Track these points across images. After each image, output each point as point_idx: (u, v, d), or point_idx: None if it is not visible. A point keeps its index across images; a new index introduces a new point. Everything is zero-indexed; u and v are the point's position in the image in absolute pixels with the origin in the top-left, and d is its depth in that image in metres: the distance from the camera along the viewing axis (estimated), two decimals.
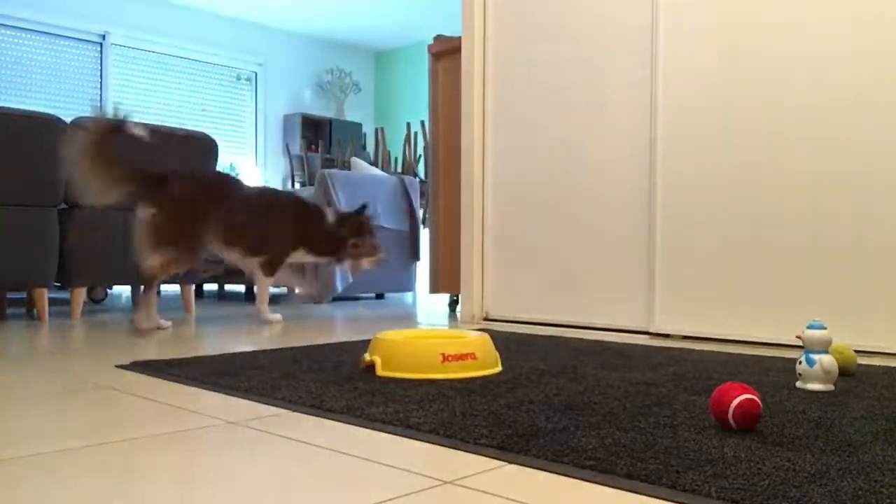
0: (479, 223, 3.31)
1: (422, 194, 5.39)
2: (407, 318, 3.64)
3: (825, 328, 1.58)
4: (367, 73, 9.01)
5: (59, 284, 3.44)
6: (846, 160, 2.29)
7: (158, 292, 2.57)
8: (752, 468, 0.98)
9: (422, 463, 1.05)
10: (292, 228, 3.09)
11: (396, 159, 6.97)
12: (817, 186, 2.33)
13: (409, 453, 1.10)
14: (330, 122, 8.43)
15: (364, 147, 8.60)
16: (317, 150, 8.08)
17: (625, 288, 2.78)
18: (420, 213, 5.20)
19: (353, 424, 1.27)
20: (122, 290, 5.51)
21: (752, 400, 1.17)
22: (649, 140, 2.72)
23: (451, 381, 1.65)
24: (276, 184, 8.13)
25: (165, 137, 3.61)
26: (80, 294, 3.41)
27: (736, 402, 1.17)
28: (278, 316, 3.20)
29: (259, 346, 2.35)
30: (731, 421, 1.17)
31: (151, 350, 2.26)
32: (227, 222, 2.91)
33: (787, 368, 1.89)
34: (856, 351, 1.82)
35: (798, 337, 1.60)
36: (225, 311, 3.98)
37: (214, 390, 1.59)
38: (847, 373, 1.75)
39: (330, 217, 3.21)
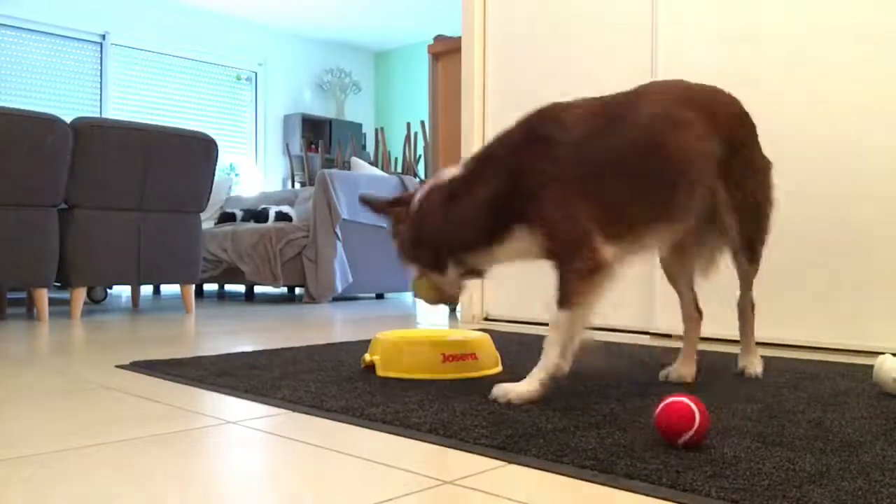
0: None
1: None
2: (407, 318, 3.64)
3: None
4: (367, 73, 9.01)
5: (59, 284, 3.44)
6: (847, 157, 2.28)
7: None
8: (752, 468, 0.98)
9: (422, 463, 1.05)
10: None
11: (396, 159, 6.97)
12: (817, 185, 2.33)
13: (409, 453, 1.10)
14: (330, 122, 8.43)
15: (364, 147, 8.59)
16: (317, 150, 8.07)
17: (625, 288, 2.78)
18: None
19: (353, 424, 1.27)
20: (122, 290, 5.51)
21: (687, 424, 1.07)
22: None
23: (451, 381, 1.65)
24: (275, 184, 8.13)
25: (165, 137, 3.61)
26: (80, 294, 3.41)
27: (687, 436, 1.07)
28: None
29: (259, 346, 2.35)
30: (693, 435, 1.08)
31: (151, 350, 2.26)
32: None
33: (787, 368, 1.89)
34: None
35: None
36: (225, 311, 3.98)
37: (214, 390, 1.59)
38: None
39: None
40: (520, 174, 1.43)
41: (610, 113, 1.49)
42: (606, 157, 1.43)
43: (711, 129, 1.51)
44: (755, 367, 1.76)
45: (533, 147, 1.45)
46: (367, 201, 1.67)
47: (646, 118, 1.48)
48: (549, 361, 1.42)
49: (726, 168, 1.54)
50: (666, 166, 1.46)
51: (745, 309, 1.77)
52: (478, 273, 1.59)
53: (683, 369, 1.69)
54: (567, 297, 1.40)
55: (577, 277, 1.39)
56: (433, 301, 1.63)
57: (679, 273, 1.74)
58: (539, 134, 1.46)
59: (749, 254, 1.68)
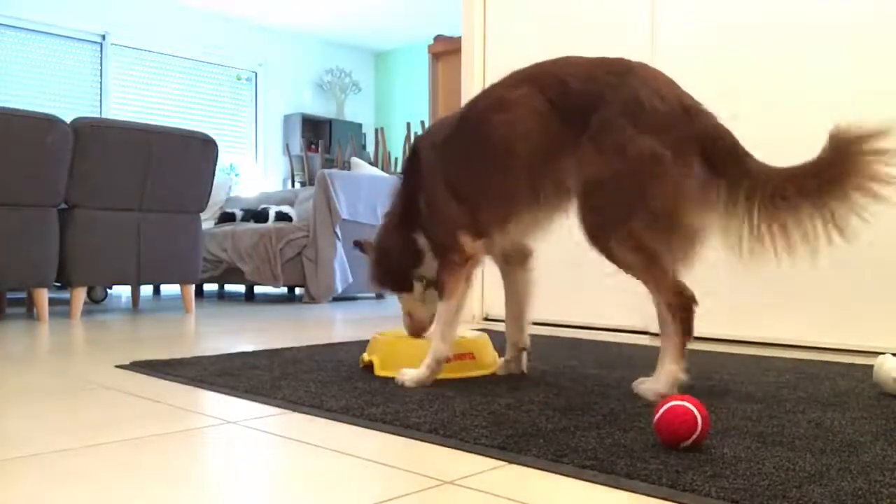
0: None
1: None
2: None
3: None
4: (367, 73, 9.01)
5: (59, 284, 3.44)
6: None
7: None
8: (752, 468, 0.98)
9: (422, 463, 1.05)
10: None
11: (396, 159, 6.97)
12: None
13: (409, 453, 1.10)
14: (330, 122, 8.43)
15: (364, 147, 8.59)
16: (317, 150, 8.07)
17: (625, 288, 2.78)
18: None
19: (353, 424, 1.27)
20: (122, 290, 5.51)
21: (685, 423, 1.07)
22: None
23: (451, 380, 1.65)
24: (275, 184, 8.12)
25: (165, 137, 3.61)
26: (80, 294, 3.41)
27: (694, 435, 1.07)
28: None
29: (259, 346, 2.35)
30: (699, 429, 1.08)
31: (151, 350, 2.26)
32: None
33: (787, 368, 1.89)
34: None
35: None
36: (225, 310, 3.98)
37: (214, 390, 1.59)
38: None
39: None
40: (411, 192, 1.66)
41: (462, 114, 1.62)
42: (458, 159, 1.57)
43: (552, 105, 1.46)
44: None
45: (411, 164, 1.68)
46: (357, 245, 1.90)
47: (479, 108, 1.57)
48: (437, 349, 1.59)
49: (577, 146, 1.43)
50: (493, 153, 1.52)
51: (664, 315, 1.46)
52: (431, 282, 1.75)
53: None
54: (443, 291, 1.60)
55: (448, 273, 1.59)
56: (413, 332, 1.82)
57: None
58: (414, 153, 1.67)
59: (595, 246, 1.43)
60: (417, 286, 1.76)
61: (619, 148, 1.37)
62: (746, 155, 1.39)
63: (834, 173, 1.29)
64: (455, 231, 1.57)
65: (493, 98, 1.57)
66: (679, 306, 1.39)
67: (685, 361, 1.41)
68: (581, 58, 1.53)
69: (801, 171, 1.33)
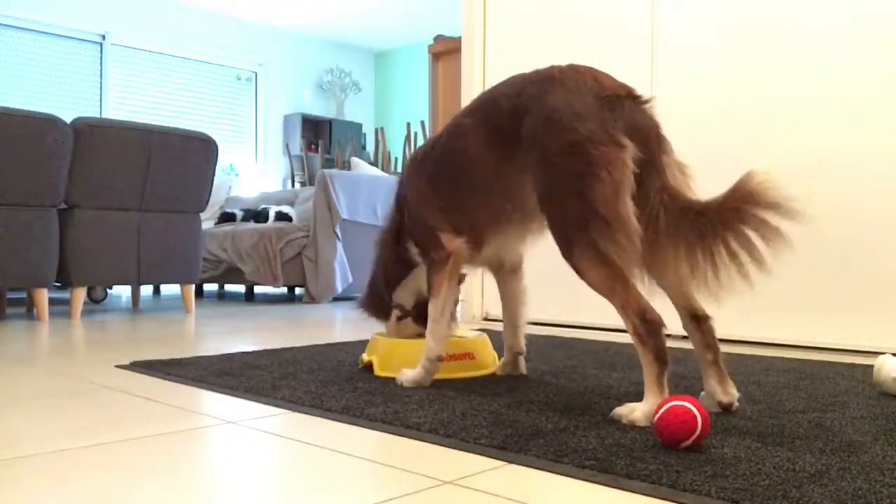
0: None
1: None
2: None
3: None
4: (367, 73, 9.01)
5: (59, 284, 3.44)
6: (846, 156, 2.28)
7: None
8: (752, 468, 0.98)
9: (422, 463, 1.05)
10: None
11: (396, 159, 6.97)
12: (816, 185, 2.33)
13: (409, 453, 1.10)
14: (330, 122, 8.43)
15: (364, 147, 8.59)
16: (317, 150, 8.07)
17: None
18: None
19: (353, 424, 1.28)
20: (122, 290, 5.51)
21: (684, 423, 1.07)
22: None
23: (451, 381, 1.65)
24: (275, 184, 8.13)
25: (165, 137, 3.61)
26: (80, 294, 3.41)
27: (695, 435, 1.07)
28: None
29: (259, 346, 2.35)
30: (699, 429, 1.08)
31: (151, 350, 2.26)
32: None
33: (787, 368, 1.89)
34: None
35: None
36: (225, 310, 3.98)
37: (214, 390, 1.59)
38: None
39: None
40: (403, 202, 1.72)
41: (441, 131, 1.65)
42: (433, 176, 1.62)
43: (489, 131, 1.48)
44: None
45: (404, 177, 1.74)
46: None
47: (450, 129, 1.62)
48: (429, 348, 1.61)
49: (525, 165, 1.41)
50: (453, 179, 1.58)
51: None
52: (406, 313, 1.82)
53: (712, 388, 1.39)
54: (430, 290, 1.62)
55: (433, 272, 1.60)
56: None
57: (657, 274, 1.46)
58: (406, 166, 1.75)
59: (568, 262, 1.36)
60: (394, 315, 1.82)
61: (545, 156, 1.34)
62: (663, 152, 1.35)
63: (720, 218, 1.26)
64: (434, 230, 1.60)
65: (454, 123, 1.61)
66: (646, 332, 1.30)
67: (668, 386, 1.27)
68: (521, 75, 1.52)
69: (693, 206, 1.29)
